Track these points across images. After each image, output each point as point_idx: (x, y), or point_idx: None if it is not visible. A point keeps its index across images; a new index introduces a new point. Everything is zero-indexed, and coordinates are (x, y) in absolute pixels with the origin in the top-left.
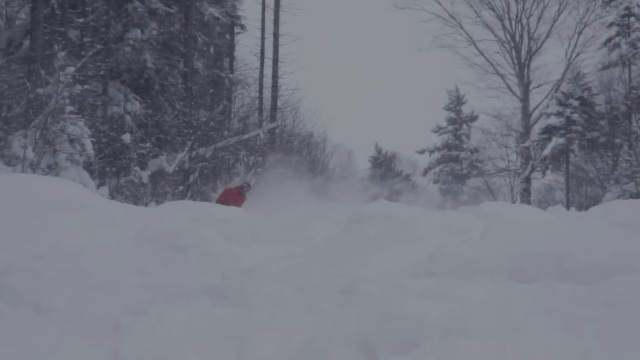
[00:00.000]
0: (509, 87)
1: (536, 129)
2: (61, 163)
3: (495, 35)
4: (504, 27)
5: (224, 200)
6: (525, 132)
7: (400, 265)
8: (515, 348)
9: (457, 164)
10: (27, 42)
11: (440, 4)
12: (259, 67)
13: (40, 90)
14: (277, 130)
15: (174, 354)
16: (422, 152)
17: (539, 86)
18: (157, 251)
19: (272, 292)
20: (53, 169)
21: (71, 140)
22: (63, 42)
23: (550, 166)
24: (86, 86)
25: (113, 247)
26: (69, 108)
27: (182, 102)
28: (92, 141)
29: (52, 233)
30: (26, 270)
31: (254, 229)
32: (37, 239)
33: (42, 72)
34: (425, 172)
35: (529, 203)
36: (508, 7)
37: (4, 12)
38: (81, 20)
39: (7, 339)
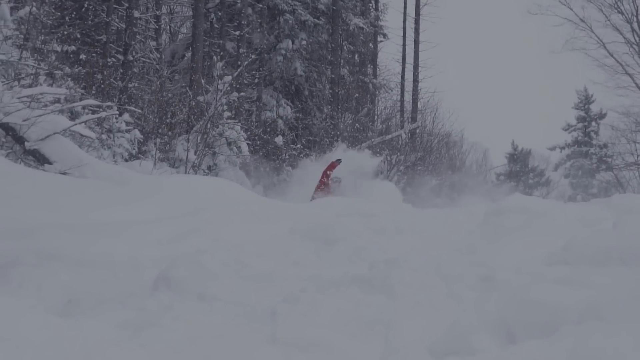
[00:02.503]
0: (637, 86)
1: None
2: (220, 164)
3: (624, 37)
4: (632, 29)
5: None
6: None
7: (535, 254)
8: None
9: (586, 159)
10: (188, 54)
11: (571, 9)
12: (400, 72)
13: (200, 98)
14: (417, 131)
15: (327, 338)
16: (553, 149)
17: None
18: (309, 244)
19: (416, 281)
20: (213, 170)
21: (229, 143)
22: (221, 53)
23: None
24: (242, 93)
25: (268, 241)
26: (226, 114)
27: (330, 106)
28: (247, 144)
29: (214, 228)
30: (191, 263)
31: (398, 223)
32: (202, 233)
33: (203, 81)
34: (557, 167)
35: None
36: (637, 10)
37: (168, 27)
38: (237, 32)
39: (176, 326)
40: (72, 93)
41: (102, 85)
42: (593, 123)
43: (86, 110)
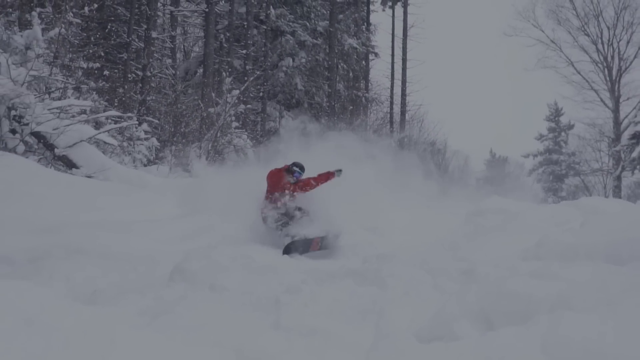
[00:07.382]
0: (602, 100)
1: (626, 135)
2: None
3: (590, 57)
4: (597, 50)
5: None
6: (616, 138)
7: (511, 250)
8: (614, 319)
9: (557, 166)
10: (200, 71)
11: (543, 31)
12: (389, 87)
13: (211, 110)
14: (405, 140)
15: (324, 325)
16: (527, 156)
17: (628, 99)
18: None
19: (405, 274)
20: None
21: (236, 150)
22: (229, 69)
23: (638, 166)
24: (248, 105)
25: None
26: (234, 124)
27: (327, 117)
28: (253, 151)
29: (223, 226)
30: (203, 257)
31: (388, 222)
32: (212, 231)
33: (213, 94)
34: (530, 173)
35: (620, 198)
36: (601, 33)
37: (182, 46)
38: (244, 51)
39: (189, 314)
40: (96, 105)
41: (123, 98)
42: (562, 133)
43: (109, 121)
